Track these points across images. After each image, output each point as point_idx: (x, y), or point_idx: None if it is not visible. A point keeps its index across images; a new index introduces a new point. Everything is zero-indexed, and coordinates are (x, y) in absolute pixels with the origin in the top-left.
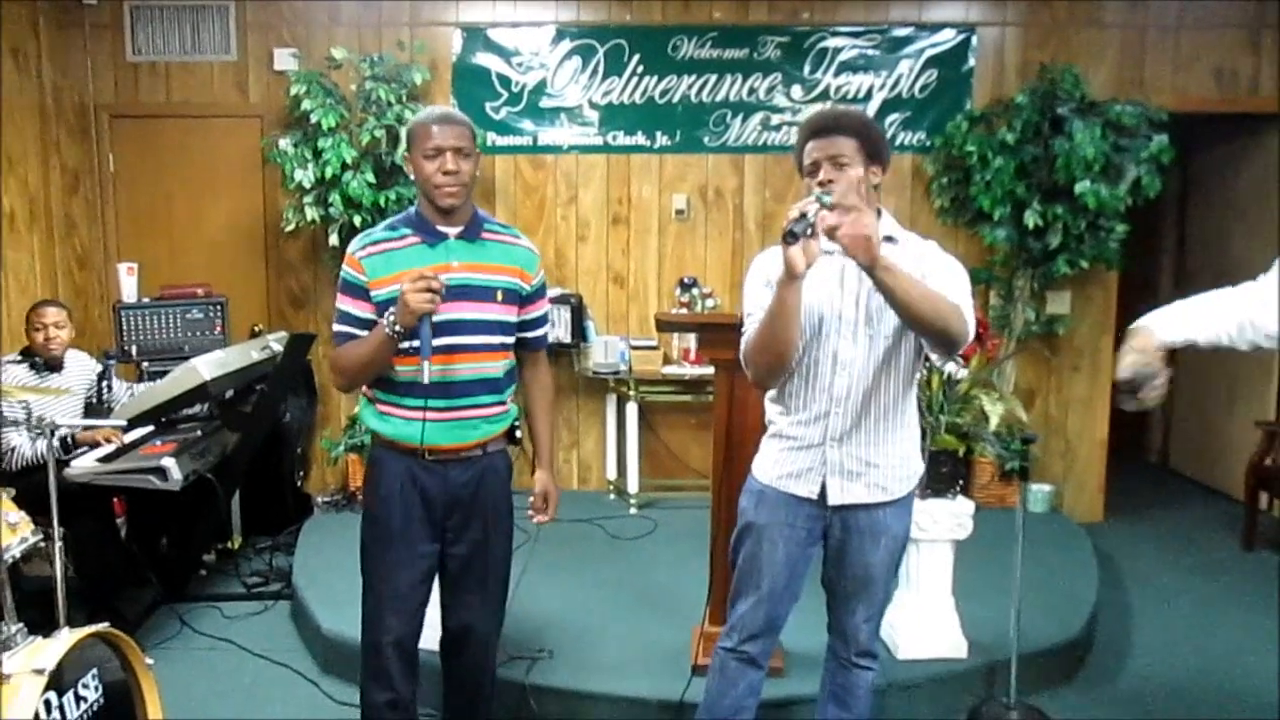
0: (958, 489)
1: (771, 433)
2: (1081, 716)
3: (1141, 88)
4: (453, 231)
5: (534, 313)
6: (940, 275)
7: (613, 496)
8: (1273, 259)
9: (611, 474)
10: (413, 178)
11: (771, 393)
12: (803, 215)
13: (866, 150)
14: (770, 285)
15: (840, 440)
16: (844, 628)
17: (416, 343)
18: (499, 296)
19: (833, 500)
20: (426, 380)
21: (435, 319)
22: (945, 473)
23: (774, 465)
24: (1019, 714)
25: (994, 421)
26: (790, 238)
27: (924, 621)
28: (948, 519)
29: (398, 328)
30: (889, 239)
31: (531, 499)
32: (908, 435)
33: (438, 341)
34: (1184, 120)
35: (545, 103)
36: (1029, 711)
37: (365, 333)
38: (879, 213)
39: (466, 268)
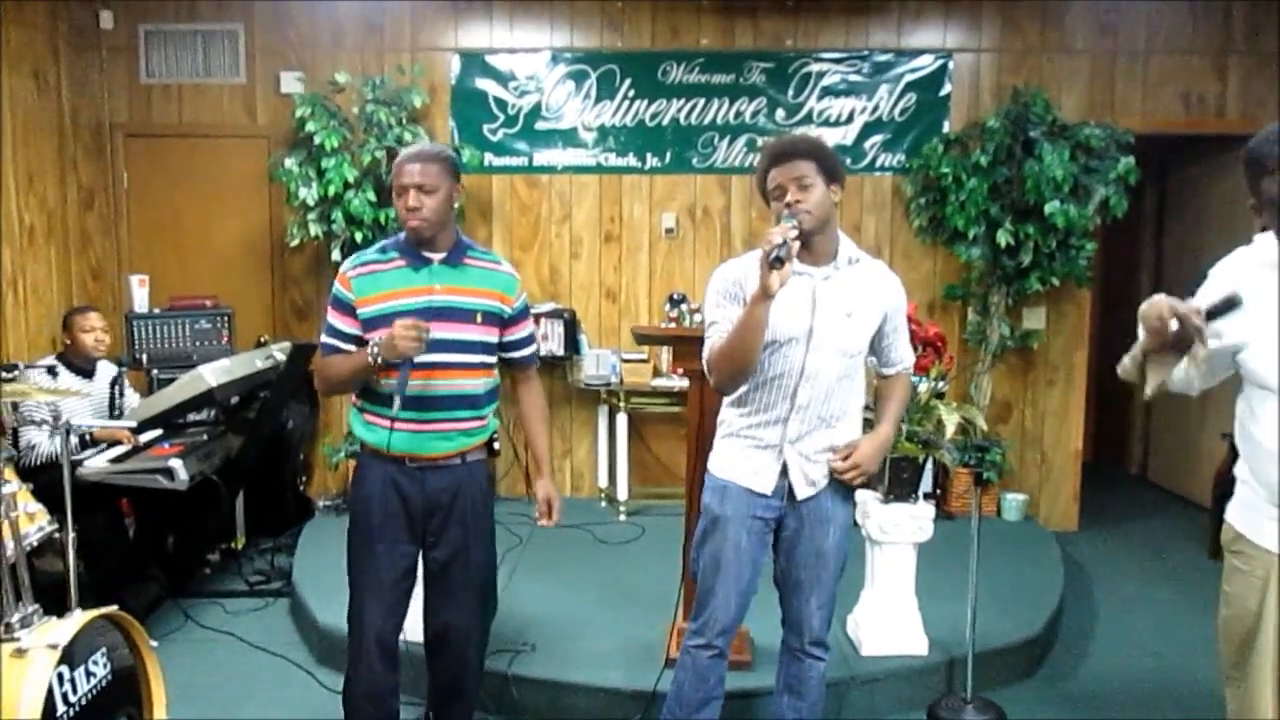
0: (918, 494)
1: (727, 433)
2: (1036, 711)
3: (1112, 111)
4: (436, 257)
5: (518, 333)
6: (899, 332)
7: (603, 504)
8: None
9: (603, 482)
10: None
11: (732, 396)
12: (784, 241)
13: (825, 171)
14: (733, 298)
15: (796, 441)
16: (798, 618)
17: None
18: (479, 318)
19: (800, 496)
20: (395, 410)
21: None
22: (906, 478)
23: (733, 463)
24: (975, 708)
25: (951, 429)
26: (777, 263)
27: (886, 620)
28: (909, 522)
29: (380, 359)
30: (851, 261)
31: (536, 506)
32: (848, 436)
33: (418, 358)
34: (1157, 142)
35: (540, 125)
36: (985, 705)
37: (348, 346)
38: (839, 236)
39: (448, 290)
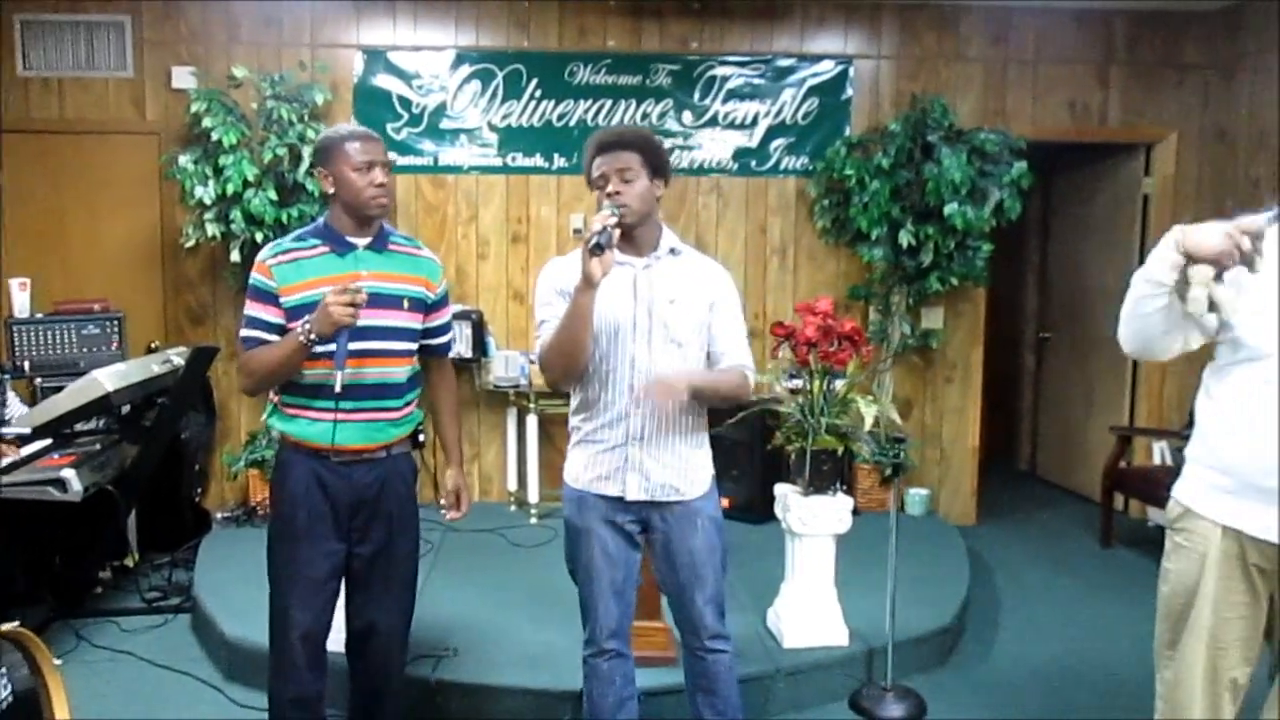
0: (837, 486)
1: (576, 440)
2: (953, 696)
3: (1004, 117)
4: (361, 242)
5: (439, 320)
6: (728, 323)
7: (514, 507)
8: (1125, 276)
9: (512, 485)
10: (329, 191)
11: (575, 402)
12: (604, 229)
13: (650, 164)
14: (561, 294)
15: (641, 439)
16: (689, 617)
17: (332, 347)
18: (405, 304)
19: (630, 496)
20: (338, 388)
21: (364, 294)
22: (826, 470)
23: (584, 470)
24: (895, 695)
25: (869, 422)
26: (597, 250)
27: (808, 612)
28: (828, 514)
29: (313, 335)
30: (673, 251)
31: (443, 496)
32: (696, 436)
33: (350, 346)
34: (1044, 148)
35: (445, 124)
36: (904, 692)
37: (274, 337)
38: (661, 228)
39: (375, 276)
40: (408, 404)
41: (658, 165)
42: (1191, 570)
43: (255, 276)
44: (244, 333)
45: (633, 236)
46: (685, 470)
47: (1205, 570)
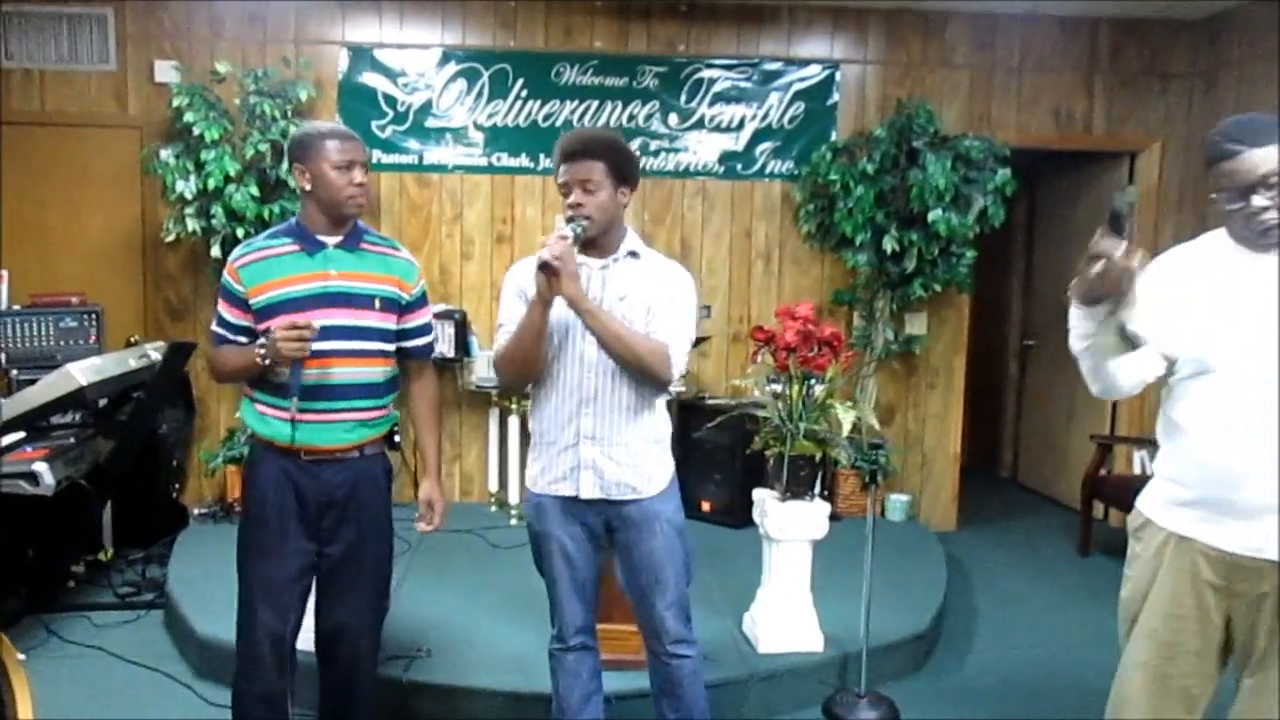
0: (815, 492)
1: (535, 443)
2: (926, 703)
3: (989, 124)
4: (332, 241)
5: (415, 321)
6: (664, 307)
7: (494, 508)
8: None
9: (494, 486)
10: (305, 188)
11: (531, 404)
12: (558, 255)
13: (615, 173)
14: (522, 295)
15: (594, 437)
16: (651, 622)
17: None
18: (376, 304)
19: (584, 495)
20: (293, 413)
21: (317, 323)
22: (803, 476)
23: (541, 473)
24: (868, 702)
25: (847, 427)
26: (545, 268)
27: (783, 617)
28: (806, 519)
29: (267, 361)
30: (633, 254)
31: (418, 508)
32: (651, 433)
33: (317, 346)
34: (1029, 155)
35: (431, 123)
36: (878, 699)
37: (240, 338)
38: (625, 231)
39: (344, 276)
40: (380, 407)
41: (624, 173)
42: (1145, 577)
43: (224, 277)
44: (213, 328)
45: (594, 242)
46: (641, 467)
47: (1157, 579)
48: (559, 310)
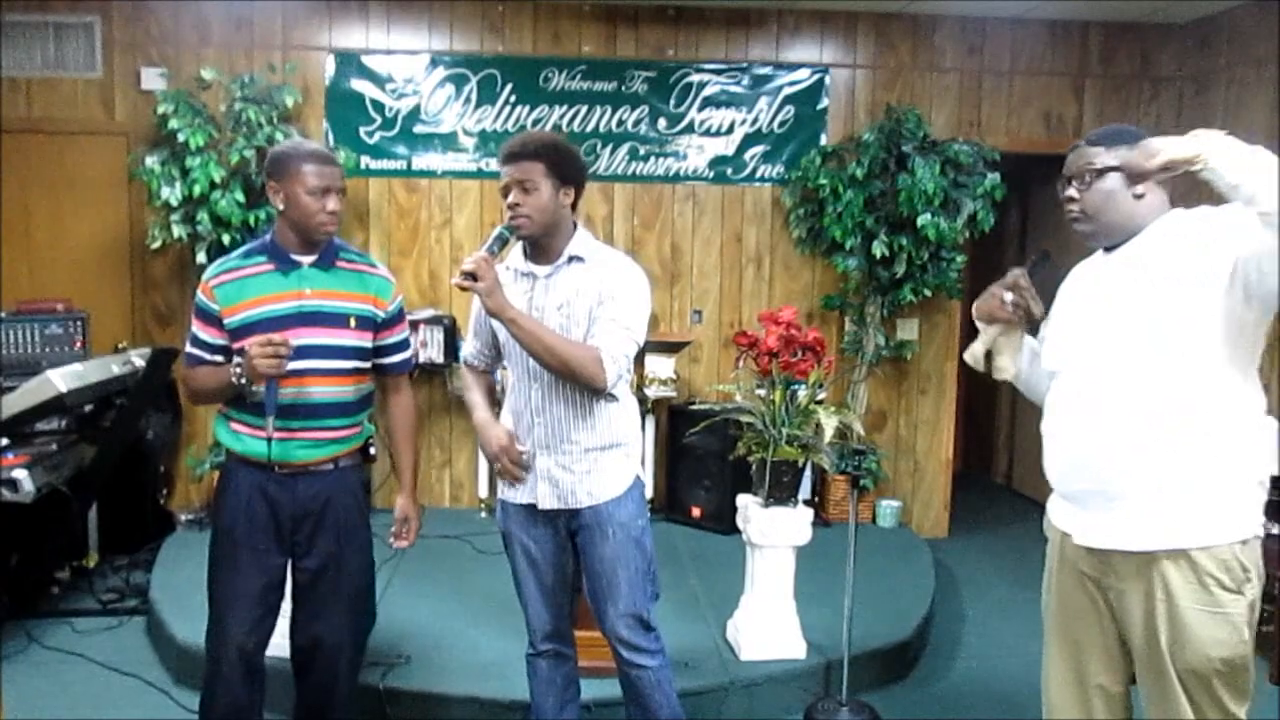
0: (798, 497)
1: None
2: (909, 712)
3: (979, 129)
4: (307, 260)
5: (391, 338)
6: (603, 309)
7: (483, 514)
8: None
9: (483, 492)
10: (278, 206)
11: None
12: (470, 271)
13: (555, 172)
14: (480, 312)
15: (547, 447)
16: (606, 629)
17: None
18: (352, 323)
19: (542, 505)
20: (270, 431)
21: (293, 342)
22: (786, 481)
23: (504, 482)
24: (850, 710)
25: (829, 433)
26: (468, 277)
27: (765, 624)
28: (787, 525)
29: (244, 380)
30: (576, 258)
31: (393, 525)
32: (604, 438)
33: (292, 365)
34: (1020, 160)
35: (419, 128)
36: (860, 707)
37: (213, 357)
38: (575, 225)
39: (319, 295)
40: (355, 424)
41: (564, 172)
42: (1050, 575)
43: (199, 296)
44: (187, 349)
45: (539, 245)
46: (595, 474)
47: (1056, 576)
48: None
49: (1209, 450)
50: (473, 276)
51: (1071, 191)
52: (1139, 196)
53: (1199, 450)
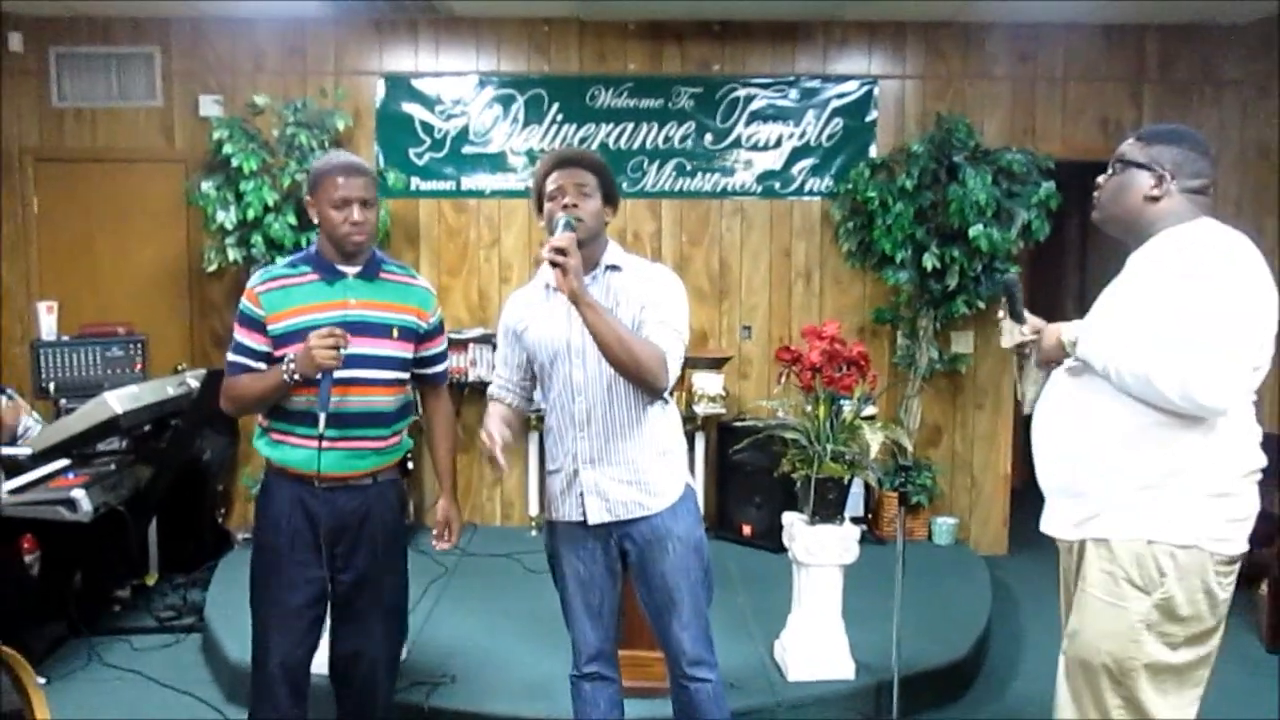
0: (844, 515)
1: (547, 468)
2: None
3: (1032, 137)
4: (351, 271)
5: (433, 349)
6: (651, 313)
7: (534, 532)
8: None
9: (534, 510)
10: (315, 220)
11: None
12: (564, 247)
13: (604, 190)
14: (509, 333)
15: (592, 462)
16: (668, 643)
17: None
18: (394, 333)
19: (592, 520)
20: (322, 428)
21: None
22: (831, 499)
23: (550, 499)
24: None
25: (875, 449)
26: (560, 253)
27: (812, 643)
28: (834, 544)
29: (296, 376)
30: (613, 267)
31: (435, 527)
32: (654, 447)
33: (335, 374)
34: (1079, 168)
35: (467, 149)
36: None
37: (258, 364)
38: (606, 244)
39: (363, 305)
40: (395, 434)
41: (610, 192)
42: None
43: (244, 303)
44: (230, 357)
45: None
46: (646, 483)
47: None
48: (548, 337)
49: (1161, 454)
50: (562, 253)
51: (1100, 179)
52: (1153, 199)
53: (1151, 453)
